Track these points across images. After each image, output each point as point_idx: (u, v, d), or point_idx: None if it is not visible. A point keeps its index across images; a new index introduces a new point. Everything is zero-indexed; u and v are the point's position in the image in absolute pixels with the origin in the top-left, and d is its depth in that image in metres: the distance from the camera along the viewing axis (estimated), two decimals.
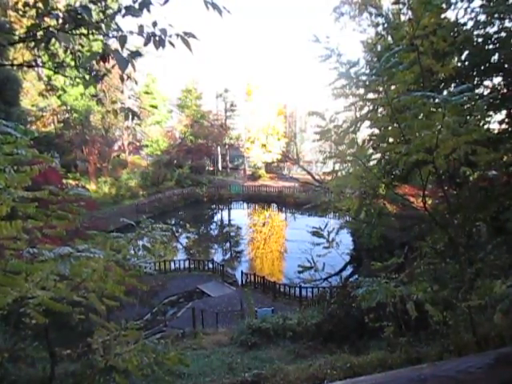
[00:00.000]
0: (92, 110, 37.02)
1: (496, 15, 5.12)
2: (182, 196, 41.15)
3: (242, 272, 22.31)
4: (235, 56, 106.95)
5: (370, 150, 4.28)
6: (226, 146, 55.11)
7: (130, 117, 3.62)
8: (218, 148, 54.30)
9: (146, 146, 47.38)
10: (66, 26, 2.87)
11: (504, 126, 5.60)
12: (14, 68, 19.68)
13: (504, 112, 5.54)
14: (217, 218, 43.27)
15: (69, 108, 36.25)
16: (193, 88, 50.14)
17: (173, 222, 37.47)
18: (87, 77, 3.37)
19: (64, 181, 10.45)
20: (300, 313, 13.38)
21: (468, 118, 3.43)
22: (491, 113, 5.39)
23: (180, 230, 35.37)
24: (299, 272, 4.71)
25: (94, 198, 29.19)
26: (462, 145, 3.07)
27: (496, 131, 5.58)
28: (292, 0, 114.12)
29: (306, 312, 13.12)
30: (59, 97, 35.05)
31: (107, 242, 3.17)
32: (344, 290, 11.26)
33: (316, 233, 4.42)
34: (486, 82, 5.81)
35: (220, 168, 55.36)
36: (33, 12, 3.00)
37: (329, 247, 4.44)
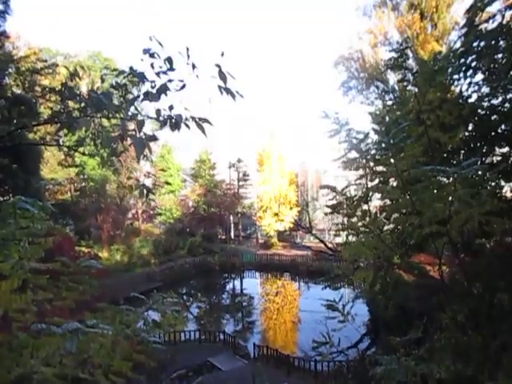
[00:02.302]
0: (108, 180, 38.08)
1: (499, 86, 5.28)
2: (193, 264, 40.68)
3: (254, 344, 21.42)
4: (248, 126, 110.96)
5: (383, 219, 4.26)
6: (239, 215, 55.33)
7: (145, 193, 3.73)
8: (231, 217, 54.55)
9: (160, 214, 47.94)
10: (88, 108, 3.06)
11: None
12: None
13: None
14: (229, 287, 42.42)
15: (86, 177, 37.42)
16: (206, 158, 51.50)
17: (184, 290, 36.87)
18: (105, 152, 3.52)
19: (77, 248, 10.50)
20: None
21: (480, 188, 3.42)
22: (502, 182, 5.39)
23: (191, 300, 34.65)
24: (313, 348, 4.52)
25: (106, 265, 29.11)
26: (476, 216, 3.05)
27: (509, 198, 5.55)
28: (301, 73, 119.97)
29: None
30: (77, 168, 36.37)
31: (117, 316, 3.11)
32: (362, 364, 10.74)
33: (330, 306, 4.30)
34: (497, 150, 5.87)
35: (232, 236, 55.25)
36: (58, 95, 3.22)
37: (344, 321, 4.29)
